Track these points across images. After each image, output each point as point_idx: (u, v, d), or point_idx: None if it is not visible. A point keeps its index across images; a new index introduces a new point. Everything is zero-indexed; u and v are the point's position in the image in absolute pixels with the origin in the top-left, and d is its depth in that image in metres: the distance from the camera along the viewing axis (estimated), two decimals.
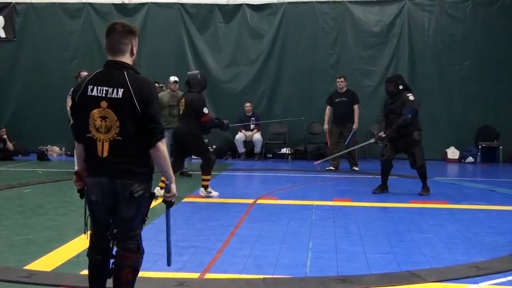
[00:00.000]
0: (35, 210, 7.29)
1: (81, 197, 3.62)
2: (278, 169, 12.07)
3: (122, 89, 3.35)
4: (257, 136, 13.79)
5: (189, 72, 9.09)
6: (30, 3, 14.65)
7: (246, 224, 6.59)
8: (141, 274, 4.29)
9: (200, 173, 8.37)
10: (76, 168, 3.68)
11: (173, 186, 3.54)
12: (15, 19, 14.72)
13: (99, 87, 3.38)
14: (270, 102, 14.27)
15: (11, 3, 14.67)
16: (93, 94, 3.38)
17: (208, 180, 8.33)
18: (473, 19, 13.78)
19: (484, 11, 13.76)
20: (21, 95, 14.64)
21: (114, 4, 14.53)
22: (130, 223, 3.46)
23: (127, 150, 3.38)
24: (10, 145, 13.34)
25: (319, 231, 6.24)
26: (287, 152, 13.78)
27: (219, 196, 8.28)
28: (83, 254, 4.06)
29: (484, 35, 13.68)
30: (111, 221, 3.50)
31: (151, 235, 5.41)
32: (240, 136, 13.80)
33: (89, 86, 3.40)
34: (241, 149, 13.87)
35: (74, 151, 3.93)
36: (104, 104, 3.36)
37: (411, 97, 8.49)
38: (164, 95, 10.81)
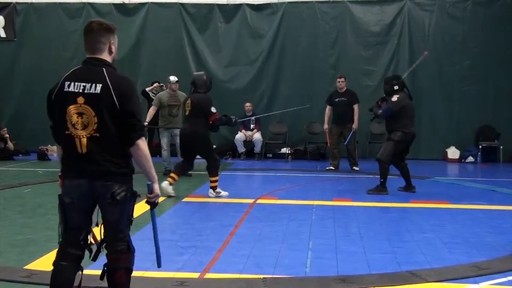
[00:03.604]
0: (35, 210, 7.29)
1: None
2: (278, 169, 12.05)
3: (100, 85, 3.27)
4: (257, 136, 13.78)
5: (194, 73, 9.03)
6: (31, 3, 14.65)
7: (246, 224, 6.59)
8: (141, 274, 4.29)
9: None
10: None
11: (156, 186, 3.46)
12: (15, 19, 14.73)
13: (76, 83, 3.30)
14: (270, 102, 14.25)
15: (12, 3, 14.67)
16: (69, 89, 3.30)
17: (216, 181, 8.28)
18: (473, 19, 13.76)
19: (484, 11, 13.75)
20: (21, 95, 14.65)
21: (114, 4, 14.51)
22: (118, 226, 3.38)
23: (105, 148, 3.29)
24: (10, 145, 13.34)
25: (319, 231, 6.24)
26: (287, 152, 13.78)
27: (220, 196, 8.28)
28: None
29: (484, 35, 13.66)
30: (84, 225, 3.39)
31: (149, 234, 5.39)
32: (240, 136, 13.80)
33: (66, 82, 3.33)
34: (241, 149, 13.86)
35: None
36: (80, 100, 3.27)
37: (394, 98, 8.62)
38: (163, 94, 10.79)
